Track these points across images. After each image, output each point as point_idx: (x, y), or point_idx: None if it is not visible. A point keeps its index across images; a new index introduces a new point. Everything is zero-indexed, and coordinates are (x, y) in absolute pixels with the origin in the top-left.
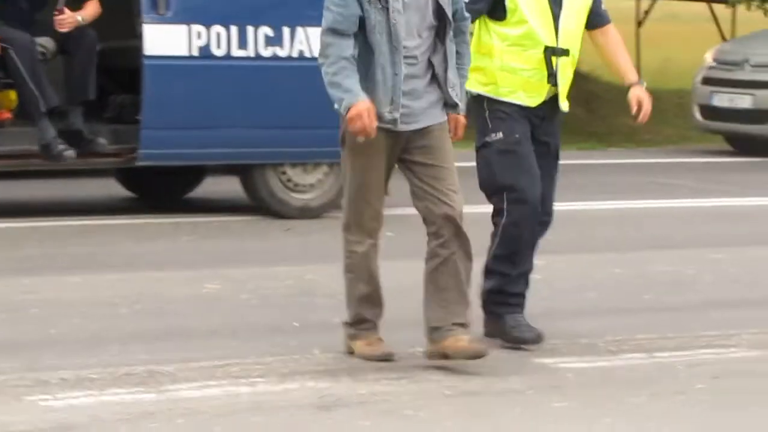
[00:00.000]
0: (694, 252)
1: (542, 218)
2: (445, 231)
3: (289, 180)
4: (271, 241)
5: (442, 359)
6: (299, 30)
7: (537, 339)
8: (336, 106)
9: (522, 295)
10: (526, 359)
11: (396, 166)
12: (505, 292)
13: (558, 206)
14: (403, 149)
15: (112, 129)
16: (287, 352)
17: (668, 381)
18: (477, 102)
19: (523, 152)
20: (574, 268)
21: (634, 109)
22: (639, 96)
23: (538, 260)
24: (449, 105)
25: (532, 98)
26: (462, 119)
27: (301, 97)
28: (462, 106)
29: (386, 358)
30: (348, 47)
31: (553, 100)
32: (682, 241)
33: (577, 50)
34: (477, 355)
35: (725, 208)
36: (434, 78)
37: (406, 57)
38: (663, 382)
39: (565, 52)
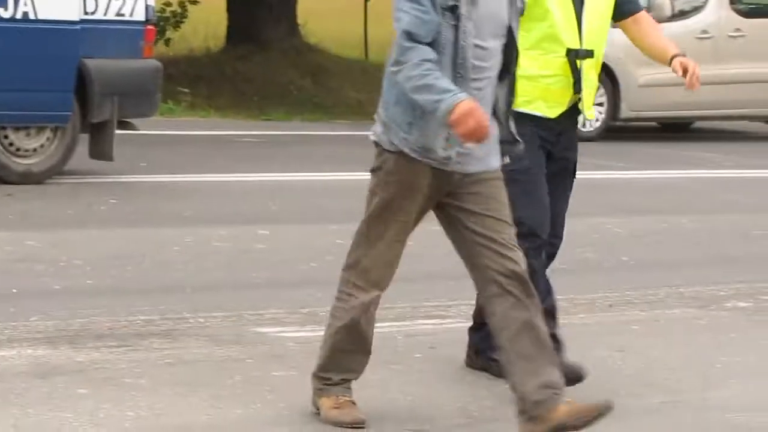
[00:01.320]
0: (418, 226)
1: (551, 241)
2: (515, 290)
3: (11, 144)
4: None
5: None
6: None
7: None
8: (433, 113)
9: (553, 336)
10: (246, 328)
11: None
12: None
13: (283, 177)
14: (448, 193)
15: None
16: (5, 319)
17: (387, 350)
18: None
19: (532, 181)
20: (296, 239)
21: (680, 73)
22: (683, 61)
23: (262, 230)
24: (506, 142)
25: (553, 108)
26: None
27: (25, 60)
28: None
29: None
30: (429, 52)
31: (573, 109)
32: None
33: (602, 51)
34: (605, 410)
35: None
36: (494, 114)
37: (473, 85)
38: (382, 352)
39: (589, 54)
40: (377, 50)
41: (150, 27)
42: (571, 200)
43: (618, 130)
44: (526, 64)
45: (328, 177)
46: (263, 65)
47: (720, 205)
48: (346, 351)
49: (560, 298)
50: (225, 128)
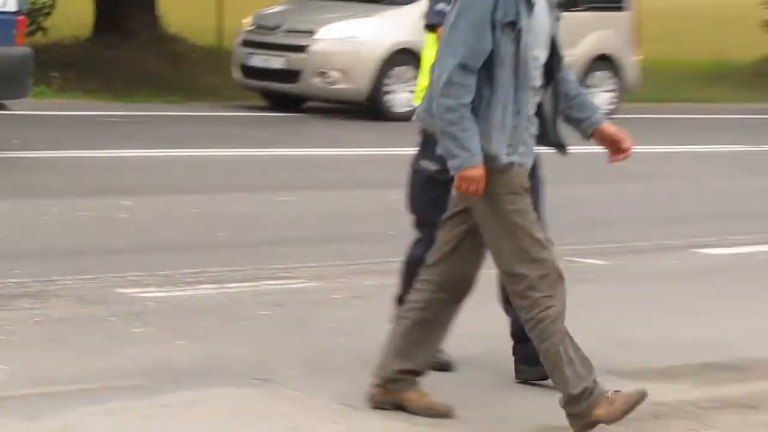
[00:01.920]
0: (263, 195)
1: None
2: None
3: None
4: None
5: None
6: None
7: (448, 366)
8: (448, 157)
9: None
10: (110, 290)
11: None
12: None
13: (145, 153)
14: None
15: None
16: None
17: (237, 308)
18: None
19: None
20: (156, 209)
21: None
22: None
23: (125, 201)
24: (558, 146)
25: None
26: None
27: None
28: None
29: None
30: (471, 91)
31: None
32: (253, 185)
33: None
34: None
35: (288, 157)
36: (540, 117)
37: (531, 94)
38: (232, 310)
39: None
40: (230, 38)
41: (21, 17)
42: (393, 175)
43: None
44: None
45: (186, 153)
46: (128, 53)
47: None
48: (582, 358)
49: (395, 259)
50: (92, 109)
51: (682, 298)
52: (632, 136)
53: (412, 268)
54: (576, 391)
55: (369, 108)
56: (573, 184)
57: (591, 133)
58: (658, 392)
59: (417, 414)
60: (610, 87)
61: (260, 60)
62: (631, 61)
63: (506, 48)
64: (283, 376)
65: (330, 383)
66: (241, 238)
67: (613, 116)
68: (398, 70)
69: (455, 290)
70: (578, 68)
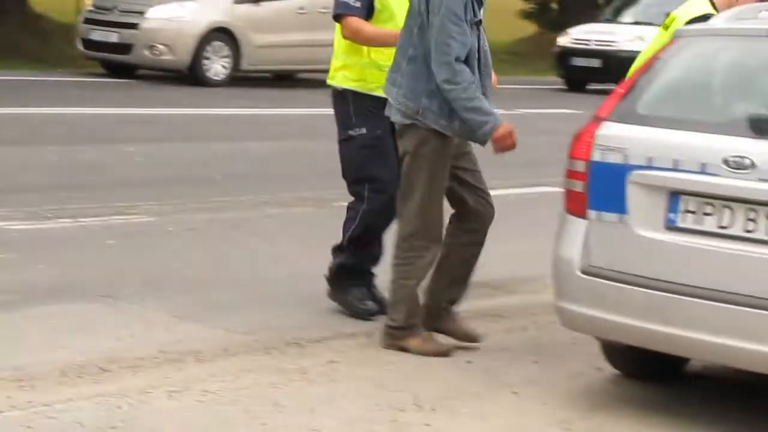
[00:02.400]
0: (108, 146)
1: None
2: (484, 228)
3: None
4: None
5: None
6: None
7: (376, 311)
8: (478, 128)
9: (370, 272)
10: None
11: None
12: (356, 269)
13: (5, 111)
14: (454, 156)
15: None
16: None
17: (89, 239)
18: (342, 97)
19: (385, 146)
20: (20, 157)
21: None
22: None
23: None
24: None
25: None
26: None
27: None
28: None
29: (446, 353)
30: (470, 73)
31: None
32: (99, 138)
33: None
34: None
35: (126, 115)
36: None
37: (487, 80)
38: (85, 240)
39: None
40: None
41: None
42: (219, 130)
43: (240, 79)
44: (375, 56)
45: (42, 111)
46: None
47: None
48: (416, 301)
49: (220, 199)
50: None
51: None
52: None
53: (348, 220)
54: (403, 323)
55: (190, 76)
56: None
57: None
58: None
59: (455, 337)
60: None
61: (99, 35)
62: None
63: (473, 42)
64: (126, 293)
65: (165, 300)
66: (93, 182)
67: None
68: (214, 45)
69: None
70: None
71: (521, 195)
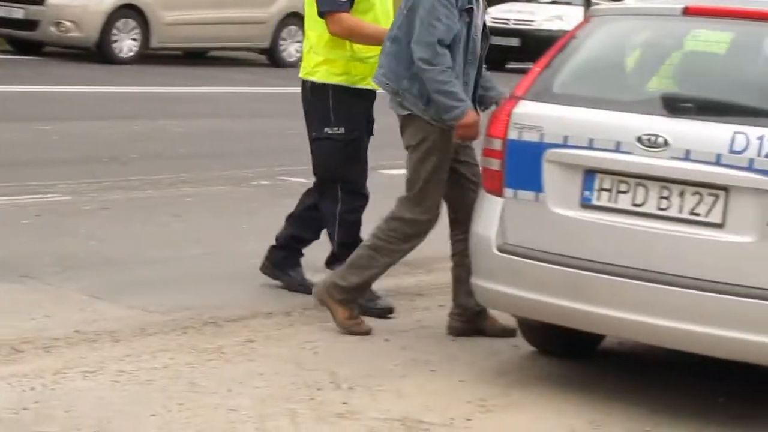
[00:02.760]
0: (21, 124)
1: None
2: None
3: None
4: None
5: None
6: None
7: (390, 308)
8: (445, 112)
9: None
10: None
11: None
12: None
13: None
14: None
15: None
16: None
17: (2, 218)
18: (322, 92)
19: (359, 148)
20: None
21: None
22: None
23: None
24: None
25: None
26: None
27: None
28: None
29: (367, 332)
30: (449, 58)
31: None
32: (10, 116)
33: None
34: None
35: (34, 93)
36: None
37: (472, 68)
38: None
39: None
40: None
41: None
42: (131, 108)
43: (150, 56)
44: (358, 49)
45: None
46: None
47: (251, 112)
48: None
49: (135, 178)
50: None
51: (371, 208)
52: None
53: (328, 224)
54: (351, 289)
55: (98, 53)
56: (285, 117)
57: (494, 103)
58: None
59: (494, 335)
60: (299, 39)
61: (4, 11)
62: None
63: (461, 30)
64: (41, 273)
65: (80, 279)
66: (7, 160)
67: None
68: (121, 23)
69: None
70: (272, 25)
71: None
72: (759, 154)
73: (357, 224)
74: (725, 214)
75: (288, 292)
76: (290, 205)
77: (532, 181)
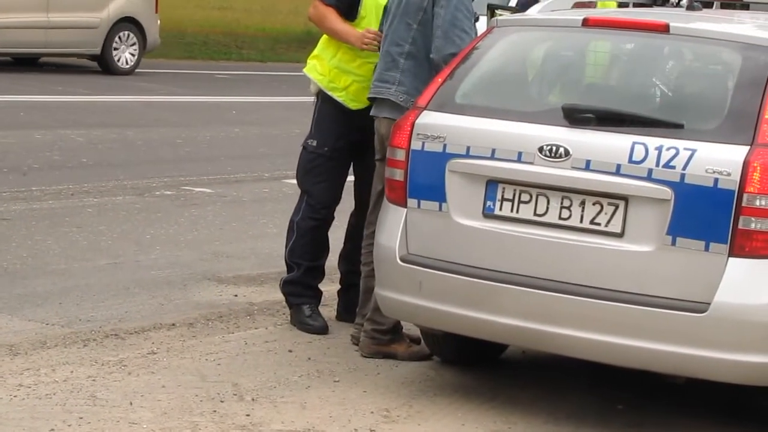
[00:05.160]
0: None
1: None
2: None
3: None
4: None
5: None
6: None
7: (323, 330)
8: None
9: (316, 288)
10: None
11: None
12: (301, 282)
13: None
14: None
15: None
16: None
17: None
18: (316, 101)
19: (329, 164)
20: None
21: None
22: None
23: None
24: None
25: (354, 103)
26: None
27: None
28: None
29: (430, 356)
30: None
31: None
32: None
33: None
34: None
35: None
36: None
37: None
38: None
39: None
40: None
41: None
42: (39, 117)
43: None
44: (344, 58)
45: None
46: None
47: (151, 121)
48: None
49: (36, 188)
50: None
51: (271, 218)
52: (238, 90)
53: (289, 230)
54: (392, 326)
55: None
56: (188, 127)
57: None
58: (250, 295)
59: (406, 360)
60: (134, 44)
61: None
62: (153, 24)
63: None
64: None
65: None
66: None
67: (137, 70)
68: None
69: None
70: (104, 28)
71: None
72: (657, 164)
73: (311, 237)
74: (625, 224)
75: (191, 304)
76: (194, 215)
77: (436, 192)
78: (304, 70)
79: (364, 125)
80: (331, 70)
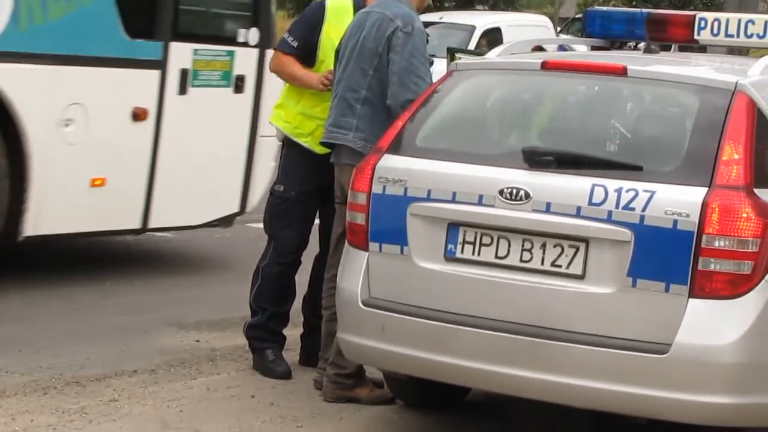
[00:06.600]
0: None
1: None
2: None
3: None
4: None
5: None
6: None
7: (287, 374)
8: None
9: (280, 333)
10: None
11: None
12: (265, 327)
13: None
14: None
15: None
16: None
17: None
18: (283, 147)
19: (295, 209)
20: None
21: None
22: None
23: None
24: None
25: (320, 147)
26: None
27: None
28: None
29: (392, 399)
30: None
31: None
32: None
33: None
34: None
35: None
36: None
37: None
38: None
39: None
40: None
41: None
42: None
43: None
44: (308, 104)
45: None
46: None
47: None
48: None
49: None
50: None
51: (234, 263)
52: None
53: (255, 275)
54: (355, 370)
55: None
56: None
57: None
58: (213, 340)
59: (369, 404)
60: None
61: None
62: None
63: None
64: None
65: None
66: None
67: None
68: None
69: None
70: None
71: None
72: (617, 206)
73: (275, 282)
74: (586, 266)
75: (152, 350)
76: (155, 259)
77: (397, 235)
78: (270, 119)
79: (331, 169)
80: (296, 116)
